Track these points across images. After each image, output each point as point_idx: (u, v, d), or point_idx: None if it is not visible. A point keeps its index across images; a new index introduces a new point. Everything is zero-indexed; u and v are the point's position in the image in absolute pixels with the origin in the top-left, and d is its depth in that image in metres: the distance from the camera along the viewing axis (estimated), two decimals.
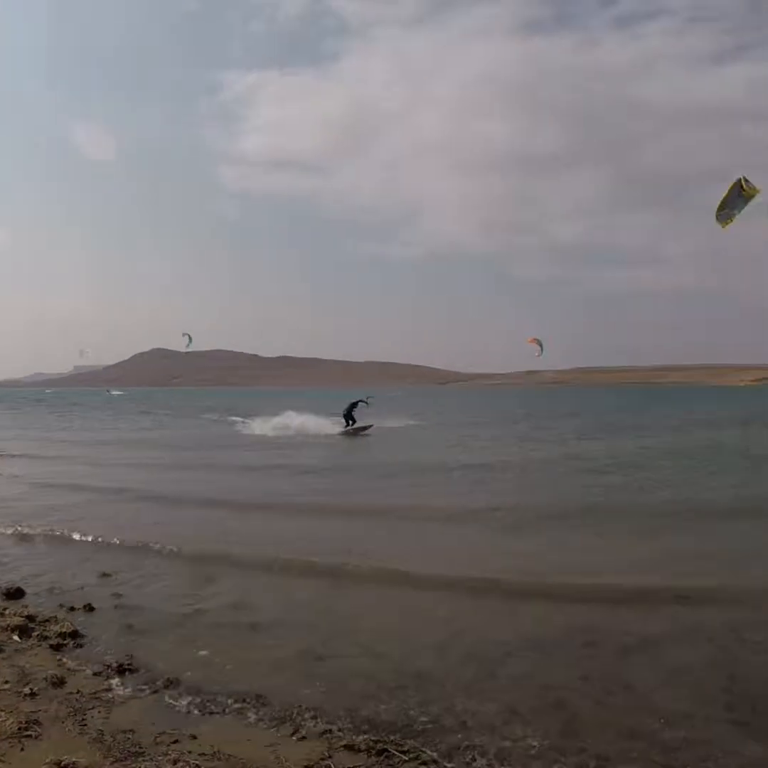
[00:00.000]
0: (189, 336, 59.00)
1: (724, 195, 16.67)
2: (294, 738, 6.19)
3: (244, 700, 6.87)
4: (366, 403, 42.87)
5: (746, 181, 16.30)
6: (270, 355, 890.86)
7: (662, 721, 6.50)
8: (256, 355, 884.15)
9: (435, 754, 5.92)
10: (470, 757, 5.93)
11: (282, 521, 16.39)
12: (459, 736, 6.27)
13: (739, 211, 16.92)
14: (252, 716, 6.59)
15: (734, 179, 17.86)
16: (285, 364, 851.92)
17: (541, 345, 52.62)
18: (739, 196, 17.49)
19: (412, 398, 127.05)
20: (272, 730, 6.34)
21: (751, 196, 16.38)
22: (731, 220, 17.11)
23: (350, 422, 41.60)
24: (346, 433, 40.92)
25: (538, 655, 8.13)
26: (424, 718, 6.56)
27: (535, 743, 6.15)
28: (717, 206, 16.65)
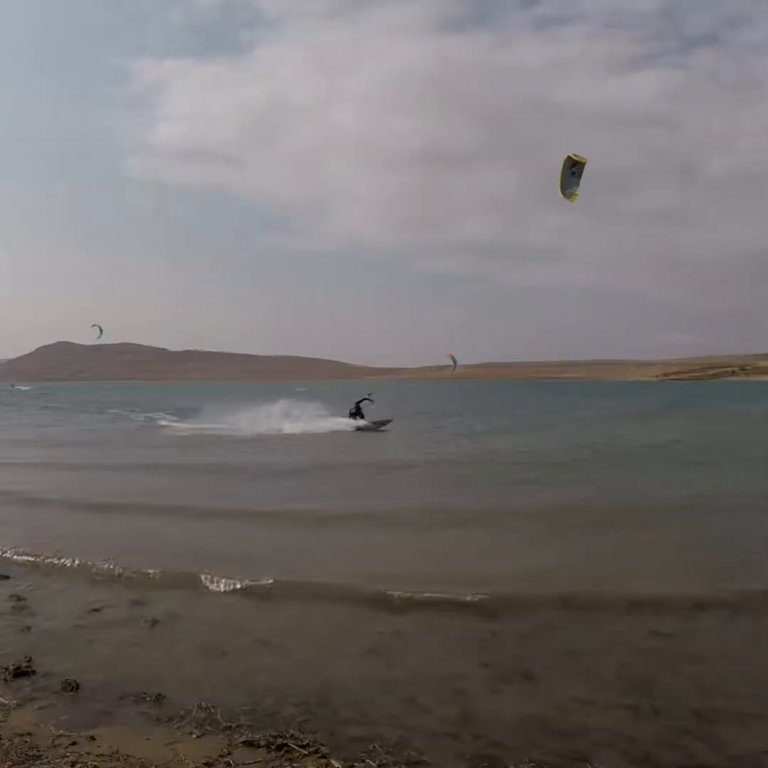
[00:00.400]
0: (100, 328, 57.81)
1: (560, 176, 18.24)
2: (193, 735, 6.20)
3: (143, 699, 6.85)
4: (370, 400, 43.71)
5: (574, 155, 18.16)
6: (178, 349, 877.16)
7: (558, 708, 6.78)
8: (163, 349, 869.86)
9: (334, 746, 6.01)
10: (370, 747, 6.02)
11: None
12: (360, 727, 6.40)
13: (578, 185, 18.56)
14: (152, 715, 6.57)
15: (573, 161, 19.61)
16: (192, 357, 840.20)
17: (455, 361, 53.91)
18: (571, 172, 19.03)
19: (326, 394, 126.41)
20: (172, 728, 6.34)
21: (583, 163, 18.30)
22: (577, 194, 18.63)
23: (359, 418, 42.38)
24: (364, 429, 41.30)
25: (436, 647, 8.36)
26: (324, 711, 6.68)
27: (435, 731, 6.33)
28: (559, 187, 18.17)
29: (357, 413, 42.73)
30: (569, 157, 19.09)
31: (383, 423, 42.64)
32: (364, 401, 43.36)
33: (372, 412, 43.40)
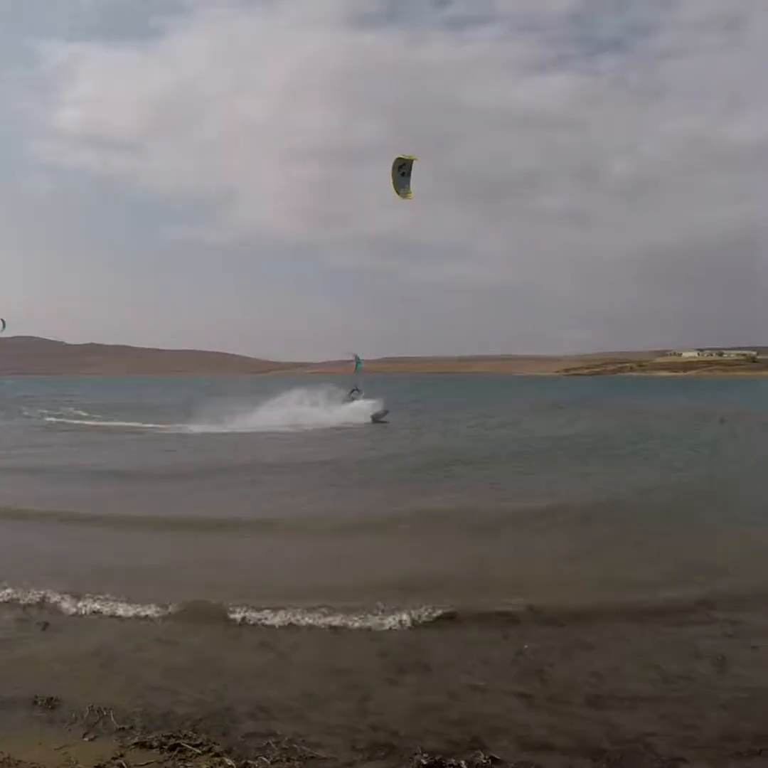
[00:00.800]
0: (3, 321, 56.07)
1: (391, 179, 19.63)
2: (86, 738, 6.18)
3: (35, 703, 6.79)
4: (358, 390, 47.30)
5: (402, 154, 20.22)
6: (77, 342, 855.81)
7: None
8: (61, 342, 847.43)
9: (228, 744, 6.08)
10: (265, 743, 6.11)
11: None
12: (255, 722, 6.49)
13: (409, 184, 20.43)
14: (44, 719, 6.52)
15: (401, 162, 21.13)
16: (92, 351, 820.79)
17: (358, 360, 54.11)
18: (400, 172, 20.29)
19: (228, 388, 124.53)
20: (64, 731, 6.31)
21: (412, 160, 20.09)
22: (411, 193, 19.91)
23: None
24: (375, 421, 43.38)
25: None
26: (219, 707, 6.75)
27: (331, 721, 6.49)
28: (392, 188, 19.54)
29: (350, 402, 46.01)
30: (398, 158, 20.26)
31: (383, 414, 44.87)
32: (354, 392, 47.14)
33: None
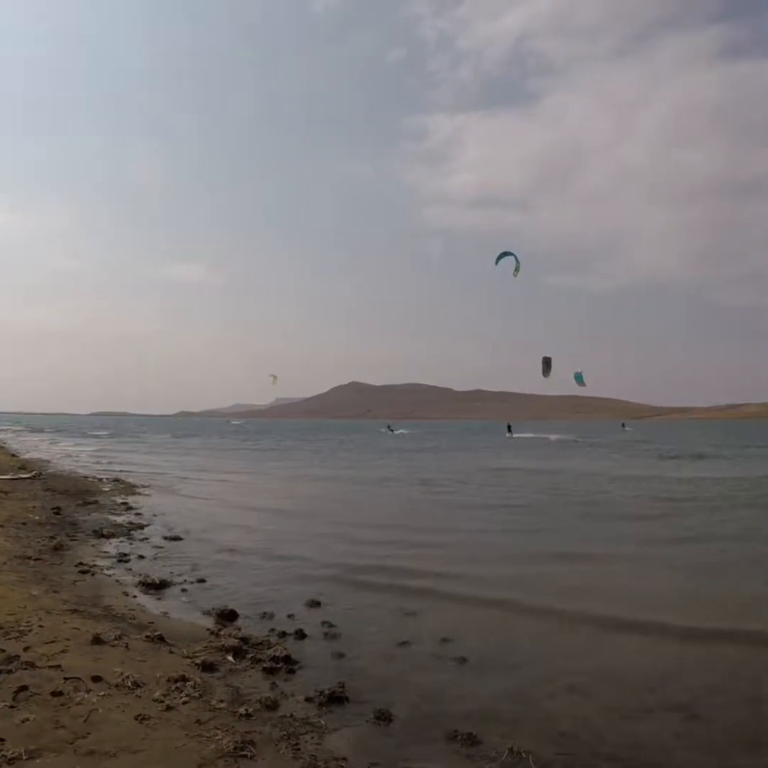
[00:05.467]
0: (274, 376, 68.25)
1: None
2: None
3: (455, 736, 6.73)
4: (391, 430, 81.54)
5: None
6: (464, 389, 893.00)
7: None
8: (449, 389, 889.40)
9: None
10: None
11: None
12: None
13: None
14: (463, 752, 6.44)
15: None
16: (479, 398, 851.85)
17: (578, 375, 55.66)
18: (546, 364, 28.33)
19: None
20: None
21: None
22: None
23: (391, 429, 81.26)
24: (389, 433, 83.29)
25: None
26: None
27: None
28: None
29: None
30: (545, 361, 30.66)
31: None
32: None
33: None
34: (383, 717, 7.10)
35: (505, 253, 36.19)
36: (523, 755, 6.35)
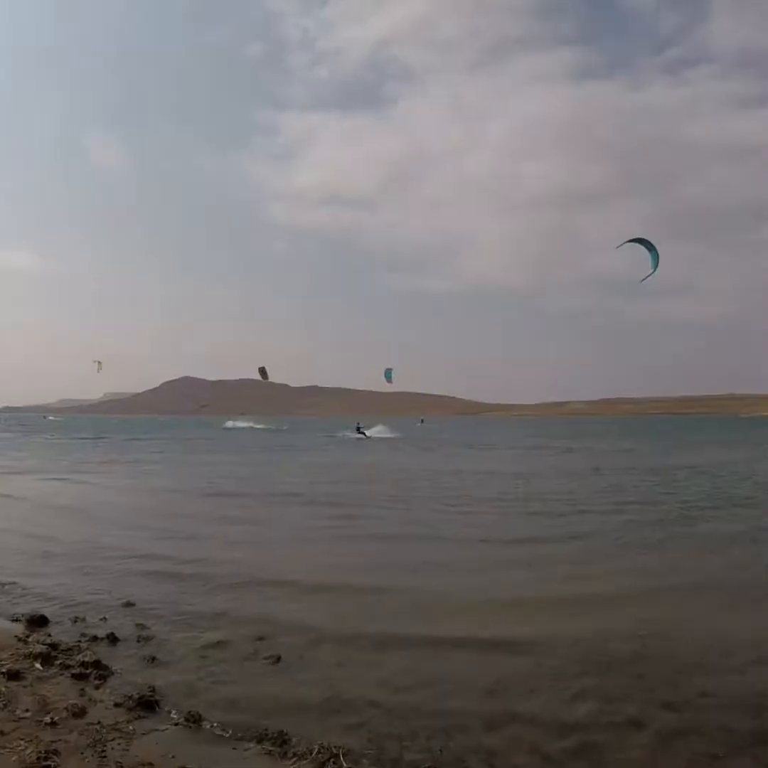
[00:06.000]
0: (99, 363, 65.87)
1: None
2: None
3: (265, 736, 6.74)
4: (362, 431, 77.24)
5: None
6: (300, 385, 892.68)
7: None
8: (285, 385, 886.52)
9: None
10: None
11: None
12: None
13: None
14: (275, 751, 6.47)
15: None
16: (314, 394, 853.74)
17: (388, 372, 60.20)
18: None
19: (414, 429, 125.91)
20: (293, 767, 6.21)
21: None
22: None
23: (363, 433, 76.17)
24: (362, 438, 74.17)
25: None
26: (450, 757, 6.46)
27: None
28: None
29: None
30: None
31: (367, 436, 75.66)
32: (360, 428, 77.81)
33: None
34: (193, 719, 6.99)
35: (641, 241, 29.59)
36: (334, 751, 6.40)
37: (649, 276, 28.98)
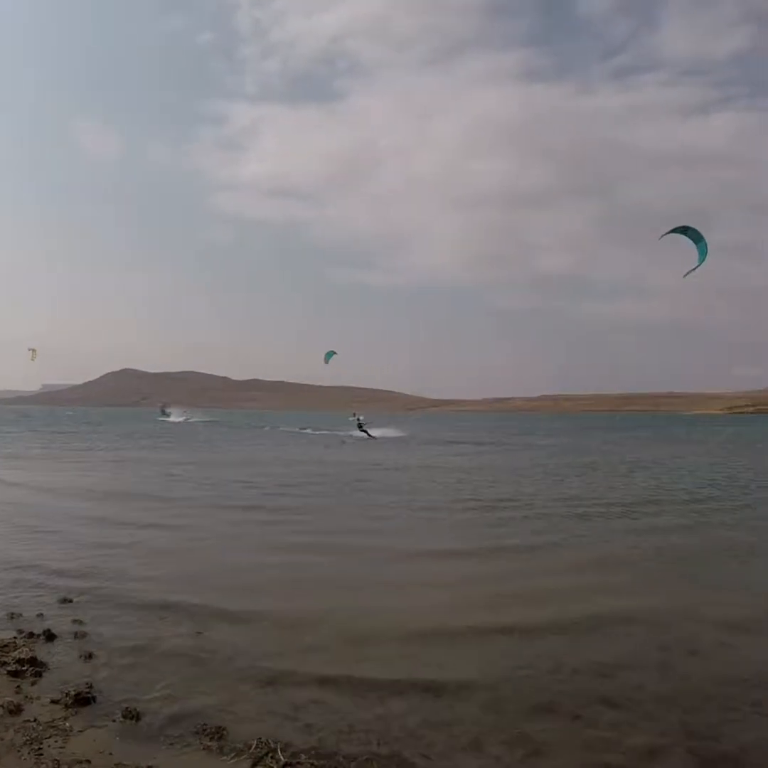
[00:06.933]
0: (33, 350, 60.53)
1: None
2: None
3: (203, 731, 6.77)
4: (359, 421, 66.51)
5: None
6: (241, 378, 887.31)
7: None
8: (226, 378, 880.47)
9: None
10: None
11: None
12: None
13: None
14: (213, 747, 6.50)
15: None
16: (255, 387, 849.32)
17: (329, 354, 60.34)
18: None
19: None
20: (229, 761, 6.27)
21: None
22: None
23: (366, 432, 65.33)
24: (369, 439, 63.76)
25: None
26: (387, 751, 6.56)
27: None
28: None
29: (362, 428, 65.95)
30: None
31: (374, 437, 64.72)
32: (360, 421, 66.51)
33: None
34: (131, 716, 6.99)
35: (686, 230, 26.78)
36: (272, 745, 6.47)
37: (694, 269, 26.23)
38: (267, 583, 12.67)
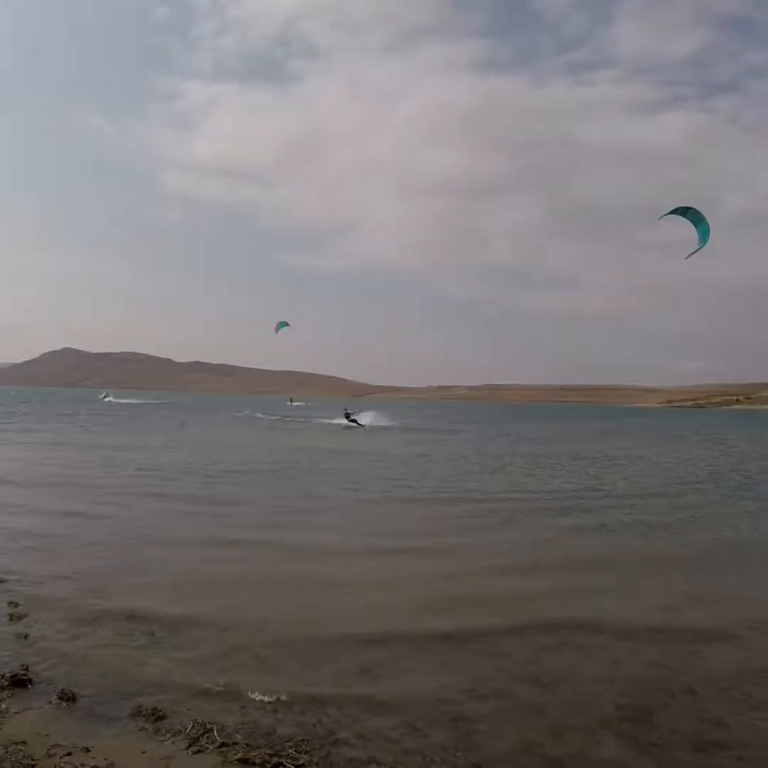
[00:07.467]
0: None
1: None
2: (189, 751, 6.19)
3: (140, 713, 6.82)
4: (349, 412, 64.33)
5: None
6: (185, 360, 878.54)
7: None
8: (169, 360, 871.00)
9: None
10: None
11: None
12: (357, 749, 6.38)
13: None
14: (149, 729, 6.56)
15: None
16: (198, 369, 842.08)
17: (281, 324, 61.36)
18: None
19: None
20: (168, 743, 6.33)
21: None
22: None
23: (355, 421, 63.42)
24: (354, 427, 61.98)
25: None
26: (321, 731, 6.67)
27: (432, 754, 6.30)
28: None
29: (349, 417, 63.74)
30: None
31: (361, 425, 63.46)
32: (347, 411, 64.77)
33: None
34: (67, 697, 7.01)
35: (686, 212, 25.65)
36: (208, 726, 6.55)
37: (696, 251, 25.25)
38: (188, 582, 11.66)
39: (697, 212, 25.25)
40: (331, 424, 67.72)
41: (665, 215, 25.43)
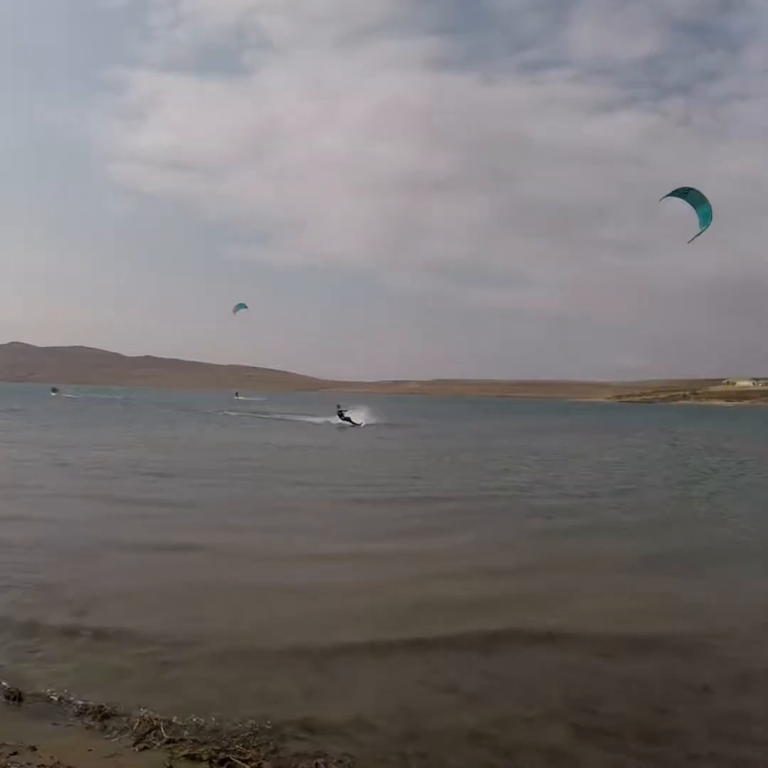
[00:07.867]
0: None
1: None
2: (136, 748, 6.21)
3: (86, 711, 6.82)
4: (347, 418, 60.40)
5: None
6: (133, 355, 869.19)
7: None
8: (118, 354, 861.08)
9: (278, 763, 6.09)
10: (314, 763, 6.09)
11: None
12: (304, 742, 6.46)
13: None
14: (95, 727, 6.56)
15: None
16: (147, 364, 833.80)
17: (239, 305, 59.55)
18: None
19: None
20: (114, 740, 6.34)
21: None
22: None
23: (349, 420, 59.95)
24: (346, 426, 58.48)
25: None
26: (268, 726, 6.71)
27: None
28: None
29: (342, 416, 60.32)
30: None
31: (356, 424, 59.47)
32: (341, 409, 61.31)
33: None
34: (13, 697, 7.00)
35: (686, 193, 24.36)
36: (155, 723, 6.57)
37: (699, 235, 23.90)
38: (132, 591, 10.90)
39: (699, 193, 24.19)
40: (313, 422, 64.17)
41: (665, 197, 24.22)
